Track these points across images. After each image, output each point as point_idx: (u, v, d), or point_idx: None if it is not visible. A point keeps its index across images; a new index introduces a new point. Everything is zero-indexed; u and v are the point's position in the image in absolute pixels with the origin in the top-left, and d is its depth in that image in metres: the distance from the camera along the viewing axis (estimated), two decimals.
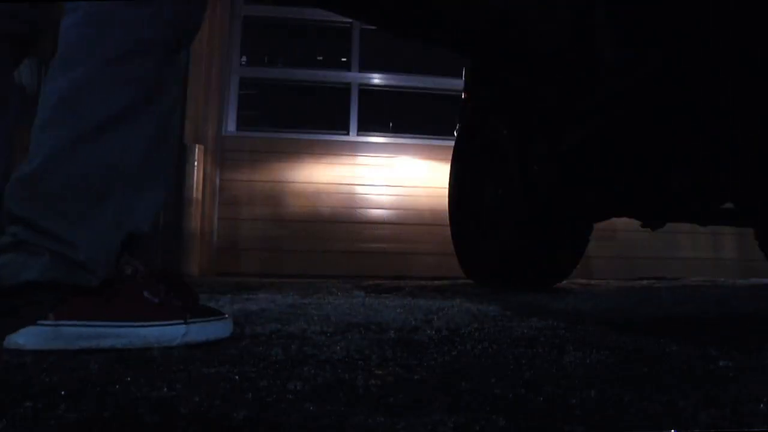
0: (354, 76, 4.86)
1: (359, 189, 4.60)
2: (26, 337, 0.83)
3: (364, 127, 4.79)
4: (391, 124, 4.94)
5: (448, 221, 2.87)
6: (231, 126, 4.68)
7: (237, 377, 0.73)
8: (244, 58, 4.85)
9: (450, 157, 2.88)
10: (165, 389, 0.66)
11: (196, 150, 4.25)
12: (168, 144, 1.02)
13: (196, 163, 4.23)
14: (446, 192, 2.91)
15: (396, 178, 4.64)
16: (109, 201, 0.91)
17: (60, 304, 0.86)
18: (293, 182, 4.55)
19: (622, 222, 2.70)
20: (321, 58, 5.07)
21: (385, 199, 4.61)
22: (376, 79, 4.90)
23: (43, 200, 0.87)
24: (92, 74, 0.91)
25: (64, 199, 0.87)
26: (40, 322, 0.84)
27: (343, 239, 4.51)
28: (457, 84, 3.12)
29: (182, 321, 0.94)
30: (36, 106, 0.97)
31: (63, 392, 0.65)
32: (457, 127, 2.86)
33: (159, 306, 0.93)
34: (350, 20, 4.93)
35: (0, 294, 0.84)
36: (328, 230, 4.51)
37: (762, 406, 0.60)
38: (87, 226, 0.88)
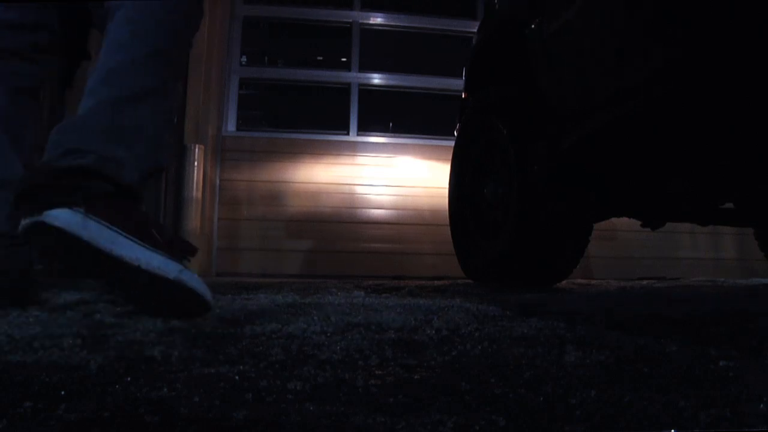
0: (354, 76, 4.86)
1: (359, 189, 4.60)
2: (61, 217, 0.94)
3: (364, 127, 4.79)
4: (391, 124, 4.94)
5: (448, 221, 2.87)
6: (231, 126, 4.68)
7: (237, 377, 0.73)
8: (244, 58, 4.85)
9: (450, 157, 2.88)
10: (165, 389, 0.66)
11: (196, 150, 4.25)
12: (172, 119, 1.25)
13: (196, 163, 4.23)
14: (446, 192, 2.91)
15: (396, 178, 4.64)
16: (138, 143, 1.11)
17: (91, 201, 0.99)
18: (293, 182, 4.55)
19: (622, 222, 2.70)
20: (321, 58, 5.07)
21: (385, 199, 4.61)
22: (376, 79, 4.90)
23: (88, 134, 1.05)
24: (136, 59, 1.13)
25: (105, 133, 1.06)
26: (74, 208, 0.96)
27: (343, 239, 4.51)
28: (457, 84, 3.12)
29: (179, 263, 1.05)
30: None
31: (63, 392, 0.65)
32: (457, 127, 2.85)
33: (162, 243, 1.04)
34: (350, 20, 4.94)
35: (50, 173, 0.99)
36: (328, 230, 4.51)
37: (762, 406, 0.60)
38: (125, 149, 1.07)
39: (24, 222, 0.97)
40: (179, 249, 1.05)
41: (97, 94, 1.11)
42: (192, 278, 1.04)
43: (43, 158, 1.05)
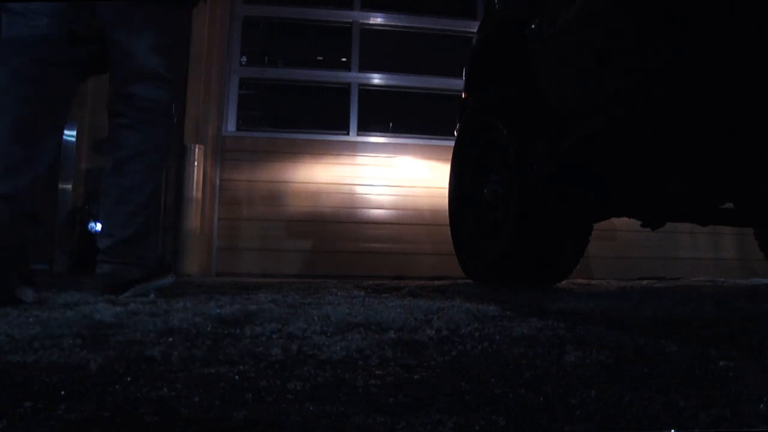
0: (354, 76, 4.86)
1: (359, 189, 4.60)
2: (131, 292, 1.75)
3: (364, 127, 4.79)
4: (391, 124, 4.93)
5: (448, 221, 2.87)
6: (231, 126, 4.68)
7: (237, 377, 0.73)
8: (244, 58, 4.85)
9: (450, 157, 2.88)
10: (165, 389, 0.66)
11: (196, 150, 4.25)
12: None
13: (196, 163, 4.23)
14: (446, 192, 2.91)
15: (396, 178, 4.64)
16: (152, 243, 1.86)
17: (139, 282, 1.79)
18: (293, 182, 4.55)
19: (622, 222, 2.70)
20: (321, 58, 5.07)
21: (385, 199, 4.61)
22: (376, 79, 4.89)
23: (130, 246, 1.80)
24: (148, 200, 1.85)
25: (137, 244, 1.81)
26: (135, 287, 1.77)
27: (343, 239, 4.51)
28: (457, 84, 3.12)
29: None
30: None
31: (63, 392, 0.65)
32: (457, 127, 2.86)
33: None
34: (350, 20, 4.94)
35: (120, 283, 1.76)
36: (328, 230, 4.51)
37: (762, 406, 0.60)
38: (147, 252, 1.83)
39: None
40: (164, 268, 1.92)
41: (128, 218, 1.80)
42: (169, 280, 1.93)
43: (105, 265, 1.81)
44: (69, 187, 4.40)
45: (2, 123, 1.58)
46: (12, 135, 1.58)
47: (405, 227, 4.57)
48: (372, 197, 4.61)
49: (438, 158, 4.48)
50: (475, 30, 2.87)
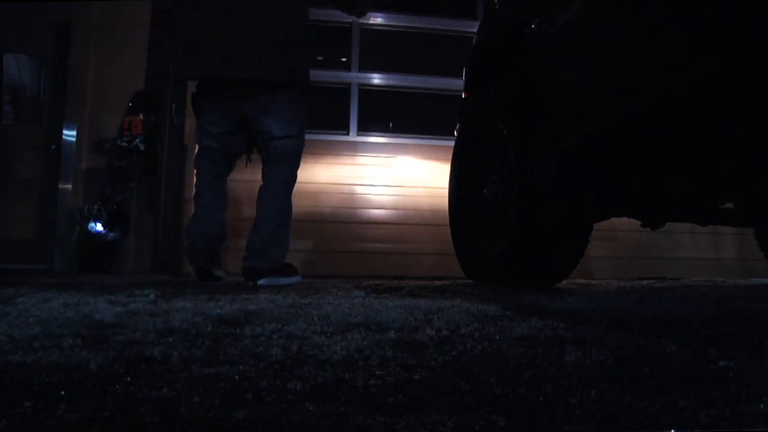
0: (354, 76, 4.86)
1: (359, 189, 4.60)
2: (264, 281, 2.64)
3: (364, 127, 4.79)
4: (391, 124, 4.93)
5: (448, 221, 2.87)
6: None
7: (237, 377, 0.73)
8: None
9: (450, 157, 2.88)
10: (165, 389, 0.66)
11: (197, 150, 4.24)
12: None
13: None
14: (446, 192, 2.91)
15: (396, 178, 4.63)
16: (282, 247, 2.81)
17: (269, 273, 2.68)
18: None
19: (622, 222, 2.70)
20: (321, 58, 5.07)
21: (385, 199, 4.60)
22: (376, 79, 4.89)
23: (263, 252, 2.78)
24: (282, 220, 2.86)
25: (271, 245, 2.79)
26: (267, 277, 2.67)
27: (343, 239, 4.50)
28: (457, 84, 3.11)
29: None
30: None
31: (63, 392, 0.65)
32: (457, 127, 2.86)
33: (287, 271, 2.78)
34: (350, 20, 4.94)
35: (254, 272, 2.72)
36: (328, 230, 4.51)
37: (762, 406, 0.60)
38: (277, 253, 2.79)
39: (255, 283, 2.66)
40: (290, 269, 2.78)
41: (269, 235, 2.80)
42: (296, 279, 2.77)
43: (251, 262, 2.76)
44: (69, 187, 4.40)
45: (204, 189, 2.96)
46: (210, 194, 2.95)
47: (405, 227, 4.56)
48: (372, 197, 4.61)
49: (438, 158, 4.48)
50: (475, 30, 2.87)
